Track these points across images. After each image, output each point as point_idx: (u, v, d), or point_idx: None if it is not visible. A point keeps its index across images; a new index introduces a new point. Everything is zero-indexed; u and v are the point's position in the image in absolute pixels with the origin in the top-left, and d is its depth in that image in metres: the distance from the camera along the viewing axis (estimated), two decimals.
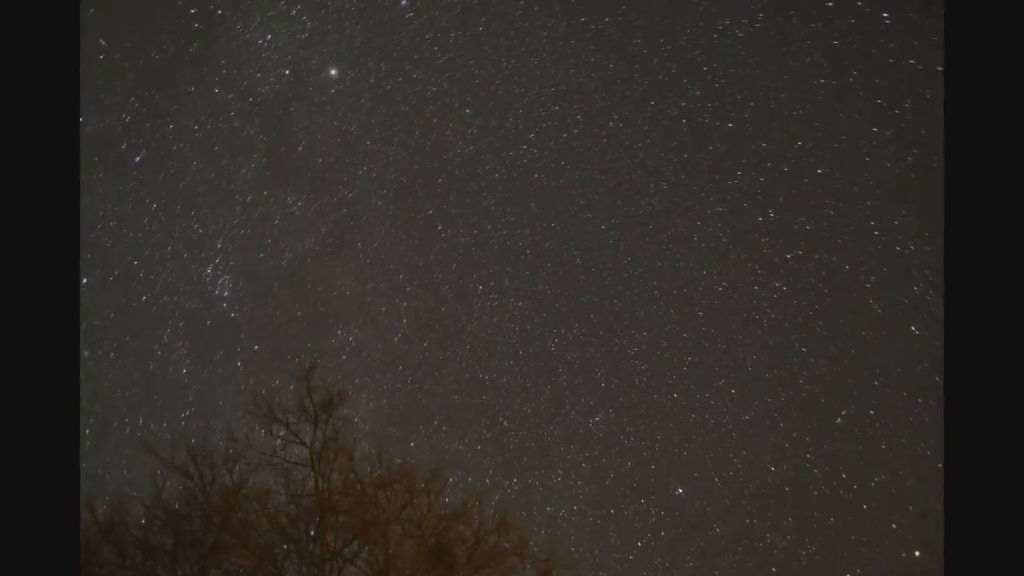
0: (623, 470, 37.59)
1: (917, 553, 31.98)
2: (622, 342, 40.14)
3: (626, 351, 39.93)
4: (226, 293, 37.48)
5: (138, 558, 22.79)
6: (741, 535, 35.29)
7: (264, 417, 24.27)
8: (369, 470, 24.91)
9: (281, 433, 24.34)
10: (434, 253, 41.18)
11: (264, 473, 24.18)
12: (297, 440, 24.50)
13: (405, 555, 24.18)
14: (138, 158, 37.04)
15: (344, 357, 37.50)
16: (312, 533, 23.66)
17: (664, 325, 39.65)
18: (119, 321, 35.71)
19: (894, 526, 33.33)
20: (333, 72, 39.42)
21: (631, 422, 38.54)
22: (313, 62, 39.15)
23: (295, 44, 38.86)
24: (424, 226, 41.24)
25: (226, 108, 38.39)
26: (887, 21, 34.37)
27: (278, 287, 38.80)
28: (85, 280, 34.64)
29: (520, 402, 39.06)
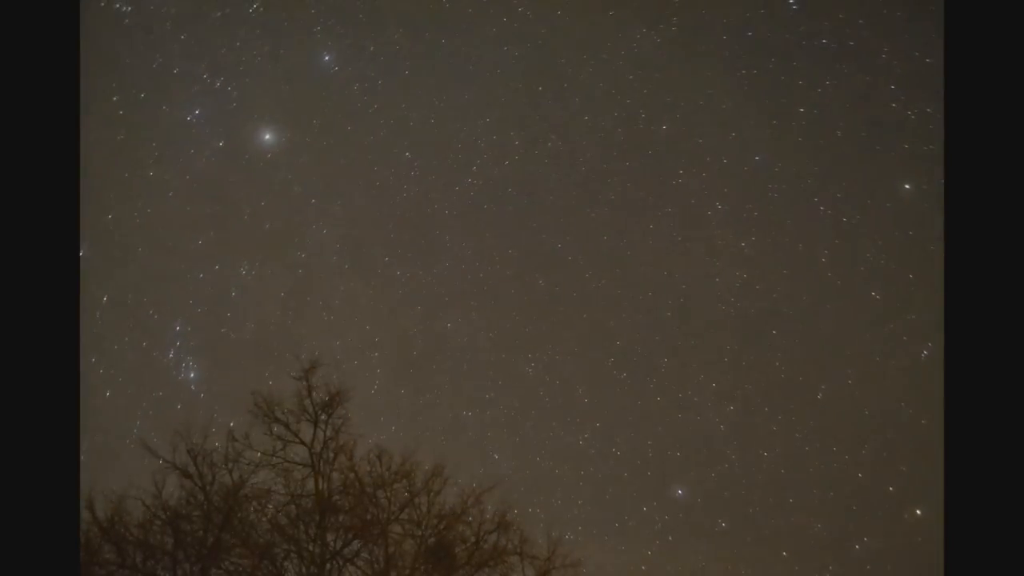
0: (621, 481, 37.29)
1: (918, 511, 32.22)
2: (597, 355, 40.09)
3: (603, 363, 39.76)
4: (192, 375, 36.43)
5: (138, 558, 22.78)
6: (746, 525, 35.27)
7: (264, 417, 24.33)
8: (369, 470, 24.95)
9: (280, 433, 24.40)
10: (396, 299, 40.80)
11: (264, 473, 24.25)
12: (297, 440, 24.55)
13: (405, 555, 24.18)
14: (81, 253, 36.28)
15: None
16: (312, 533, 23.67)
17: (635, 331, 39.62)
18: (85, 421, 34.99)
19: (891, 488, 33.64)
20: (267, 136, 39.07)
21: (620, 432, 38.32)
22: (245, 130, 38.84)
23: (225, 115, 38.43)
24: (382, 274, 40.85)
25: (164, 189, 37.85)
26: (794, 7, 36.02)
27: (244, 359, 37.59)
28: None
29: (507, 432, 38.65)
